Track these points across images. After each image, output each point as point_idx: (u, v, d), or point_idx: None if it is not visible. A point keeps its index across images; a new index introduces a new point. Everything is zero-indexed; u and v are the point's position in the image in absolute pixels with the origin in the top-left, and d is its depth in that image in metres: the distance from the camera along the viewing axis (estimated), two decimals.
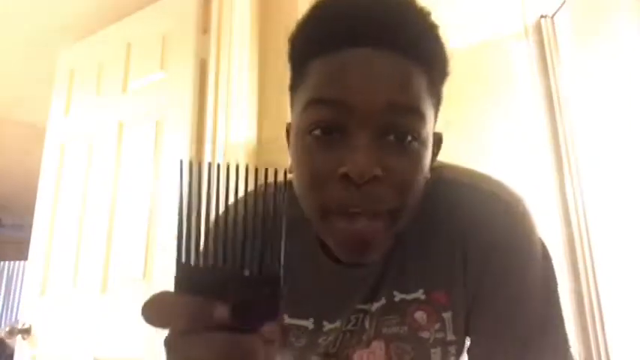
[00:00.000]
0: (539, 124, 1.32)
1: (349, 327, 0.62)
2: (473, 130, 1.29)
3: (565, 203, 1.28)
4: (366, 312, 0.61)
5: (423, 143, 0.48)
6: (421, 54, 0.48)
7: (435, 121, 0.53)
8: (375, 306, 0.60)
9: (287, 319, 0.62)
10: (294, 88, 0.54)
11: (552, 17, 1.35)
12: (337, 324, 0.61)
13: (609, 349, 1.18)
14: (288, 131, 0.58)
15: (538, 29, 1.36)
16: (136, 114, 1.69)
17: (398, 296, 0.59)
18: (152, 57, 1.69)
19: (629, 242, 1.16)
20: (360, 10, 0.48)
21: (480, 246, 0.55)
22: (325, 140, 0.47)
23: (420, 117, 0.47)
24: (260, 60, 1.53)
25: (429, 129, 0.49)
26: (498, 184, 0.58)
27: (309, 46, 0.50)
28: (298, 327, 0.62)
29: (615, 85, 1.22)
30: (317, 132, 0.47)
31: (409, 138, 0.47)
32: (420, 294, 0.58)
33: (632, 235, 1.16)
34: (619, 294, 1.19)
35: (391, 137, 0.46)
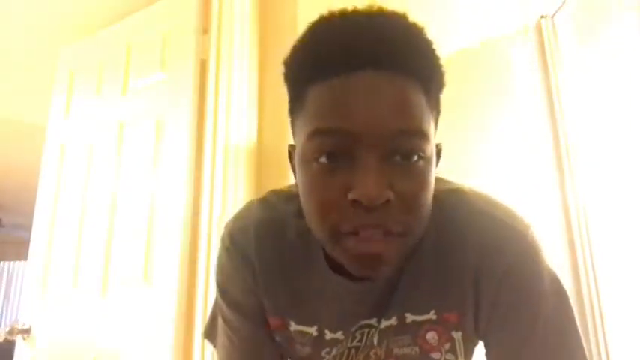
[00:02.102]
0: (539, 124, 1.32)
1: (355, 343, 0.63)
2: (473, 129, 1.29)
3: (565, 203, 1.28)
4: (373, 327, 0.61)
5: (428, 160, 0.49)
6: (419, 70, 0.48)
7: (435, 132, 0.53)
8: (385, 324, 0.60)
9: (293, 326, 0.63)
10: (293, 112, 0.54)
11: (552, 17, 1.36)
12: (339, 334, 0.62)
13: (609, 349, 1.18)
14: (290, 153, 0.58)
15: (538, 29, 1.36)
16: (136, 114, 1.69)
17: (410, 317, 0.60)
18: (152, 57, 1.69)
19: (629, 242, 1.16)
20: (356, 33, 0.48)
21: (493, 272, 0.56)
22: (332, 167, 0.47)
23: (425, 137, 0.48)
24: (260, 60, 1.53)
25: (432, 145, 0.50)
26: (509, 212, 0.59)
27: (306, 71, 0.50)
28: (303, 333, 0.63)
29: (615, 84, 1.22)
30: (323, 159, 0.48)
31: (415, 158, 0.47)
32: (431, 314, 0.59)
33: (632, 235, 1.16)
34: (619, 294, 1.19)
35: (397, 158, 0.47)
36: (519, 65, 1.34)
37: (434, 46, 0.51)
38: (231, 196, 1.37)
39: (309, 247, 0.60)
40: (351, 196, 0.45)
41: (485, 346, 0.60)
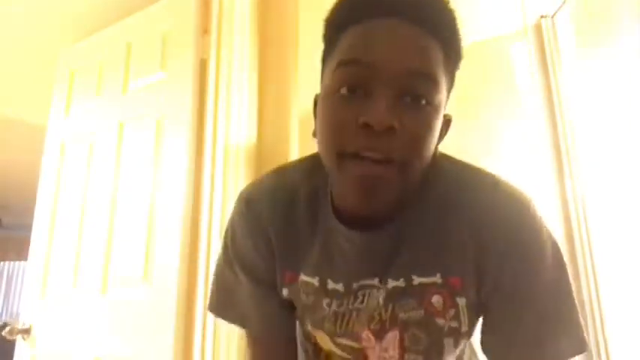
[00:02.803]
0: (539, 124, 1.32)
1: (357, 304, 0.65)
2: (473, 129, 1.29)
3: (565, 203, 1.28)
4: (375, 288, 0.63)
5: (435, 109, 0.53)
6: (441, 31, 0.54)
7: (447, 100, 0.57)
8: (392, 284, 0.62)
9: (302, 277, 0.67)
10: (325, 57, 0.60)
11: (552, 17, 1.36)
12: (340, 286, 0.65)
13: (609, 349, 1.18)
14: (315, 102, 0.63)
15: (538, 29, 1.36)
16: (136, 114, 1.69)
17: (417, 280, 0.61)
18: (152, 57, 1.69)
19: (629, 242, 1.16)
20: None
21: (497, 240, 0.58)
22: (350, 97, 0.53)
23: (435, 84, 0.52)
24: (260, 60, 1.53)
25: (442, 98, 0.54)
26: (512, 185, 0.62)
27: (342, 18, 0.57)
28: (307, 283, 0.67)
29: (615, 84, 1.22)
30: (343, 90, 0.53)
31: (424, 101, 0.52)
32: (437, 278, 0.61)
33: (632, 234, 1.16)
34: (619, 294, 1.19)
35: (408, 99, 0.52)
36: (519, 65, 1.34)
37: (457, 16, 0.57)
38: (231, 195, 1.37)
39: (319, 204, 0.65)
40: (361, 119, 0.50)
41: (484, 311, 0.62)
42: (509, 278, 0.58)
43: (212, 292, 0.75)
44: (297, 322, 0.74)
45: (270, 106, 1.46)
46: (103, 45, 1.90)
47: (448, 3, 0.57)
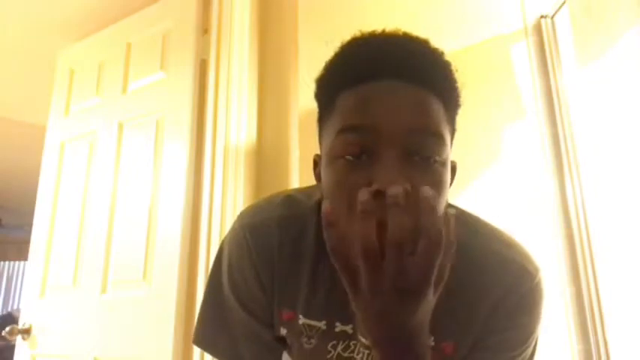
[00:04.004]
0: (539, 124, 1.32)
1: (363, 349, 0.64)
2: (472, 129, 1.29)
3: (565, 203, 1.28)
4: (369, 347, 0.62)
5: (444, 165, 0.52)
6: (438, 86, 0.54)
7: (451, 149, 0.57)
8: None
9: (302, 319, 0.64)
10: (322, 120, 0.59)
11: (552, 17, 1.36)
12: (348, 328, 0.63)
13: (609, 349, 1.18)
14: (315, 162, 0.62)
15: (538, 29, 1.36)
16: (136, 114, 1.69)
17: None
18: (152, 57, 1.69)
19: (630, 242, 1.16)
20: (383, 48, 0.55)
21: (499, 308, 0.61)
22: (356, 163, 0.51)
23: (441, 139, 0.52)
24: (260, 60, 1.53)
25: (448, 152, 0.54)
26: (522, 252, 0.64)
27: (337, 80, 0.56)
28: (311, 327, 0.64)
29: (615, 84, 1.22)
30: (348, 157, 0.52)
31: (432, 159, 0.51)
32: (430, 341, 0.60)
33: (632, 234, 1.16)
34: (619, 294, 1.19)
35: (416, 158, 0.51)
36: (519, 65, 1.34)
37: (452, 68, 0.57)
38: (231, 195, 1.37)
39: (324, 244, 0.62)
40: (373, 187, 0.48)
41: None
42: (499, 338, 0.61)
43: (198, 324, 0.70)
44: None
45: (270, 106, 1.46)
46: (102, 45, 1.90)
47: (442, 56, 0.57)
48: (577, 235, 1.25)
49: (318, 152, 0.61)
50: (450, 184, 0.59)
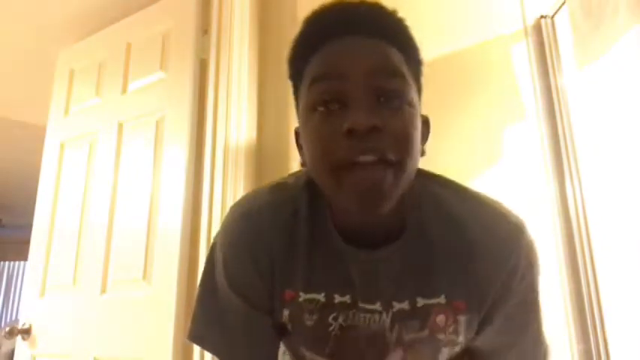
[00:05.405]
0: (539, 124, 1.32)
1: (362, 321, 0.65)
2: (472, 129, 1.29)
3: (565, 203, 1.28)
4: (380, 312, 0.64)
5: (410, 105, 0.56)
6: (396, 40, 0.58)
7: (420, 103, 0.60)
8: (397, 307, 0.63)
9: (302, 296, 0.65)
10: (297, 92, 0.62)
11: (552, 17, 1.36)
12: (347, 298, 0.64)
13: (609, 349, 1.18)
14: (296, 134, 0.64)
15: (538, 29, 1.36)
16: (135, 114, 1.69)
17: (421, 302, 0.63)
18: (152, 57, 1.70)
19: (630, 242, 1.16)
20: (341, 10, 0.59)
21: (499, 269, 0.62)
22: (328, 112, 0.55)
23: (403, 79, 0.56)
24: (260, 60, 1.53)
25: (415, 96, 0.57)
26: (507, 211, 0.66)
27: (303, 51, 0.60)
28: (311, 300, 0.65)
29: (615, 84, 1.22)
30: (320, 108, 0.55)
31: (398, 99, 0.54)
32: (441, 299, 0.63)
33: (632, 234, 1.16)
34: (619, 294, 1.19)
35: (382, 99, 0.54)
36: (519, 65, 1.34)
37: (408, 26, 0.61)
38: (231, 196, 1.37)
39: (321, 220, 0.64)
40: (344, 126, 0.51)
41: (485, 323, 0.65)
42: (508, 298, 0.63)
43: (194, 319, 0.71)
44: (286, 353, 0.72)
45: (270, 106, 1.46)
46: (102, 45, 1.90)
47: (395, 13, 0.60)
48: (577, 235, 1.25)
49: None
50: (425, 138, 0.62)
